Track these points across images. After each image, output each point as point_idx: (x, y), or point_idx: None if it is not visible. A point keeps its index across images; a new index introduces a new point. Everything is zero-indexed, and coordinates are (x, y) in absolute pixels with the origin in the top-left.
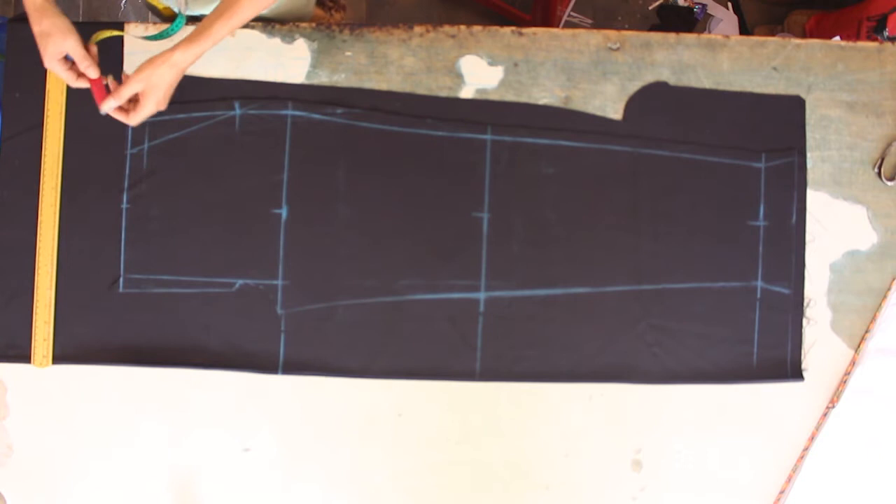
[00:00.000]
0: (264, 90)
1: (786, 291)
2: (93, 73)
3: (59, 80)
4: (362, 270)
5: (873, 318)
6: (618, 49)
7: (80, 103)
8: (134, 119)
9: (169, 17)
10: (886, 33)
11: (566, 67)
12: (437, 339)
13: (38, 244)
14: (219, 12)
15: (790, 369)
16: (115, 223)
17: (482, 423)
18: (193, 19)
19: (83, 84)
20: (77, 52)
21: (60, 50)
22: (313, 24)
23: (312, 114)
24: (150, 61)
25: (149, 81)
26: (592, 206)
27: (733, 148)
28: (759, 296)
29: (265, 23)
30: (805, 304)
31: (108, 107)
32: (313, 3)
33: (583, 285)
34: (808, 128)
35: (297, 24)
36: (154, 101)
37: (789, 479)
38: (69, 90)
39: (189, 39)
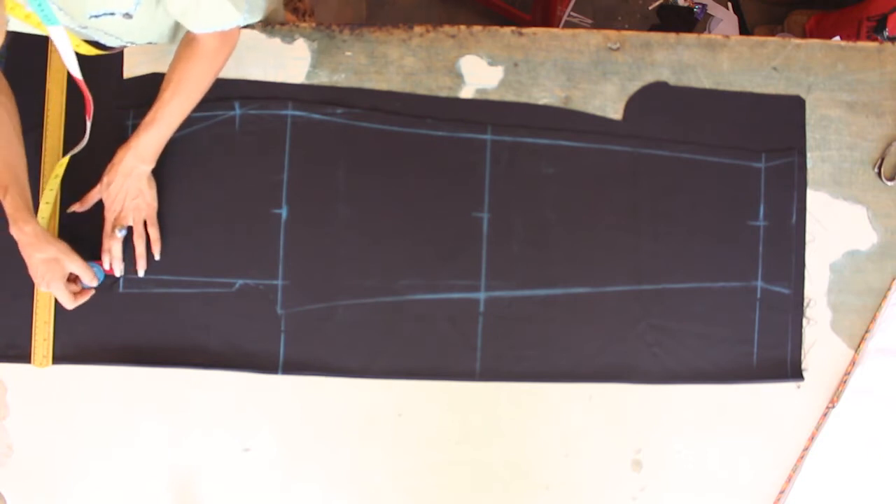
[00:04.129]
0: (264, 90)
1: (786, 291)
2: (94, 282)
3: (59, 80)
4: (362, 270)
5: (873, 318)
6: (618, 49)
7: (80, 103)
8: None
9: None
10: (886, 33)
11: (566, 67)
12: (437, 339)
13: None
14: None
15: (790, 369)
16: None
17: (482, 423)
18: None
19: (81, 300)
20: (82, 269)
21: (67, 273)
22: (313, 24)
23: (312, 114)
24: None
25: (108, 192)
26: (592, 206)
27: (733, 148)
28: (759, 296)
29: (265, 23)
30: (805, 304)
31: (75, 209)
32: (282, 11)
33: (583, 285)
34: (808, 128)
35: (297, 24)
36: (118, 203)
37: (789, 479)
38: (69, 90)
39: (130, 138)
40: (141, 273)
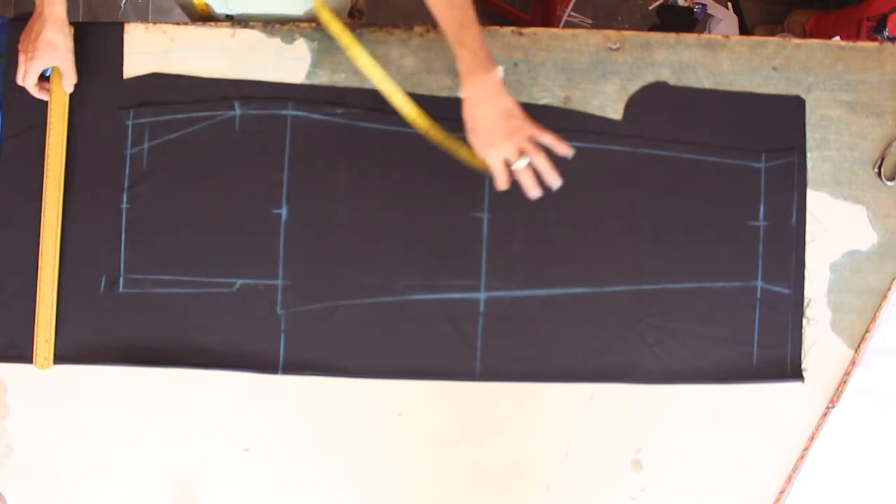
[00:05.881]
0: (264, 90)
1: (786, 291)
2: (70, 89)
3: (56, 78)
4: (362, 270)
5: (873, 318)
6: (618, 49)
7: (81, 103)
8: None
9: (204, 15)
10: (886, 33)
11: (566, 67)
12: (437, 340)
13: (41, 245)
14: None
15: (790, 369)
16: (114, 223)
17: (482, 423)
18: (230, 19)
19: (42, 95)
20: (71, 70)
21: (51, 63)
22: (313, 24)
23: (312, 114)
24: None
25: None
26: (592, 206)
27: (733, 148)
28: (759, 296)
29: (265, 23)
30: (805, 304)
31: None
32: (346, 12)
33: (583, 285)
34: (808, 128)
35: (296, 24)
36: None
37: (789, 479)
38: (75, 90)
39: (474, 67)
40: None
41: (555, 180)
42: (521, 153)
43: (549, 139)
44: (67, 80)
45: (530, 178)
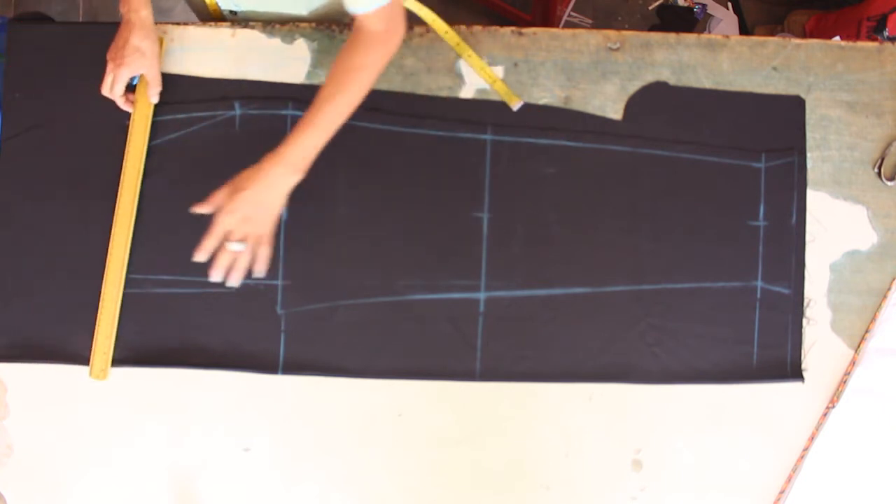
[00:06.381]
0: (264, 90)
1: (786, 291)
2: (156, 99)
3: (142, 87)
4: (362, 270)
5: (873, 318)
6: (618, 49)
7: (81, 104)
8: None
9: (217, 16)
10: (886, 33)
11: (566, 67)
12: (437, 340)
13: (108, 262)
14: (318, 98)
15: (790, 369)
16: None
17: (482, 423)
18: (234, 15)
19: (127, 107)
20: (157, 79)
21: (139, 71)
22: (313, 25)
23: None
24: (240, 182)
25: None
26: (592, 206)
27: (733, 148)
28: (759, 296)
29: (265, 23)
30: (805, 304)
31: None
32: None
33: (583, 285)
34: (808, 128)
35: (297, 24)
36: (253, 229)
37: (789, 479)
38: (73, 91)
39: (293, 159)
40: (235, 284)
41: (236, 281)
42: (244, 240)
43: (266, 253)
44: (153, 90)
45: (229, 263)
